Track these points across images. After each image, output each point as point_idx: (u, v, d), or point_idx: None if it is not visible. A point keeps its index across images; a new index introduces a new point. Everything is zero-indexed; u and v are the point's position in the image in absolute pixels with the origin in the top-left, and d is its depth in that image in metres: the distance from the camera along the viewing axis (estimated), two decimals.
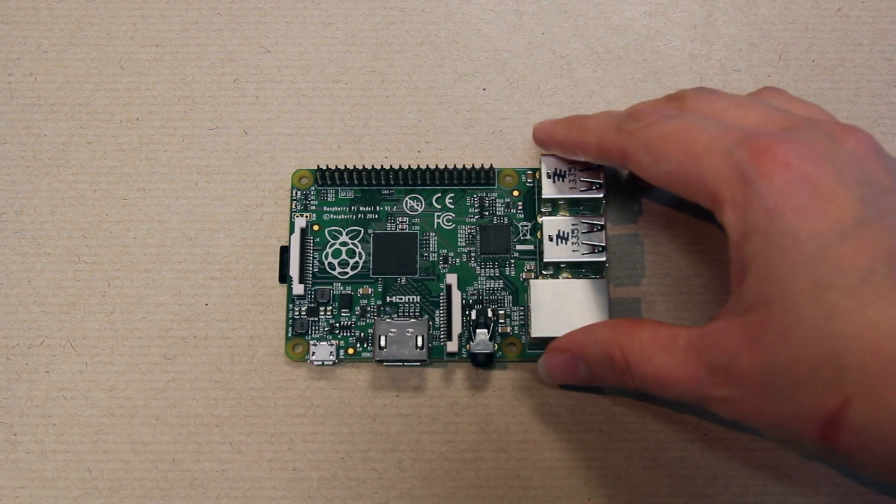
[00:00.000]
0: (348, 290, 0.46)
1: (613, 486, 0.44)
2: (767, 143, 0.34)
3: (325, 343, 0.45)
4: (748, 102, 0.39)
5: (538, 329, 0.43)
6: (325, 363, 0.45)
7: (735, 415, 0.35)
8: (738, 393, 0.35)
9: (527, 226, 0.47)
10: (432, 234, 0.47)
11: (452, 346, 0.44)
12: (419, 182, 0.47)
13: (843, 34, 0.49)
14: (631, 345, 0.38)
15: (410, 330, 0.44)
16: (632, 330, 0.39)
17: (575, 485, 0.44)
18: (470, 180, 0.47)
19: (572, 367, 0.41)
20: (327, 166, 0.47)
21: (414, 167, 0.47)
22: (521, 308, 0.46)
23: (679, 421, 0.45)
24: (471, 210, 0.47)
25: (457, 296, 0.45)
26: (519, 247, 0.46)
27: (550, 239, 0.44)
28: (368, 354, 0.45)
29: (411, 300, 0.46)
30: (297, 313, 0.46)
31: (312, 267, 0.46)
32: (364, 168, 0.47)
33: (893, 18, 0.50)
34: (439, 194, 0.47)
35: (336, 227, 0.47)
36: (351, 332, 0.46)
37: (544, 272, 0.45)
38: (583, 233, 0.44)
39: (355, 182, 0.47)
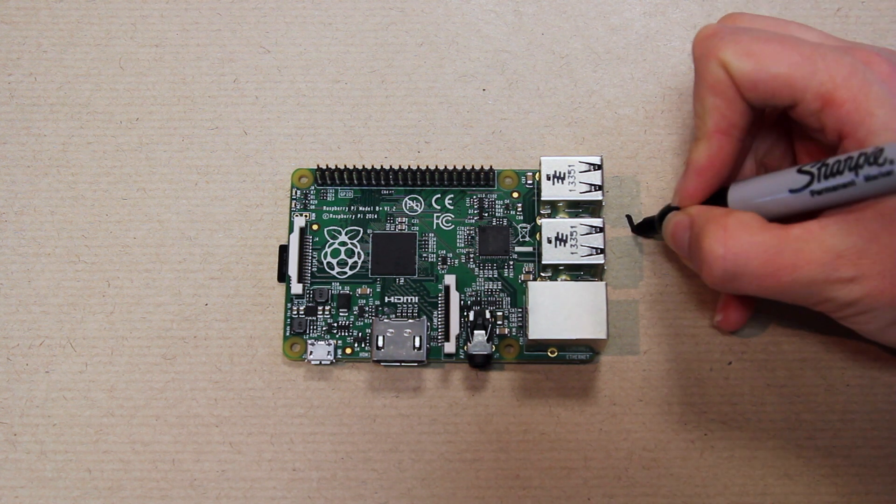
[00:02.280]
0: (347, 289, 0.46)
1: (613, 486, 0.44)
2: (871, 53, 0.39)
3: (322, 342, 0.45)
4: (800, 25, 0.41)
5: (536, 331, 0.43)
6: (323, 363, 0.45)
7: (859, 294, 0.37)
8: (870, 270, 0.36)
9: (526, 227, 0.47)
10: (431, 234, 0.47)
11: (450, 347, 0.44)
12: (419, 182, 0.47)
13: (843, 34, 0.49)
14: (749, 238, 0.38)
15: (408, 330, 0.44)
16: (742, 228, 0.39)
17: (575, 485, 0.44)
18: (469, 181, 0.47)
19: (683, 231, 0.41)
20: (327, 166, 0.47)
21: (414, 167, 0.47)
22: (520, 310, 0.46)
23: (679, 421, 0.45)
24: (470, 211, 0.47)
25: (455, 297, 0.45)
26: (518, 248, 0.46)
27: (549, 241, 0.44)
28: (366, 354, 0.45)
29: (409, 300, 0.46)
30: (295, 312, 0.46)
31: (311, 266, 0.46)
32: (364, 168, 0.47)
33: (893, 18, 0.50)
34: (439, 195, 0.47)
35: (335, 227, 0.47)
36: (349, 331, 0.46)
37: (543, 274, 0.45)
38: (581, 235, 0.44)
39: (355, 182, 0.47)
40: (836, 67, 0.37)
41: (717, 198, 0.41)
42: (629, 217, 0.47)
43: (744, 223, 0.38)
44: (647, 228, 0.46)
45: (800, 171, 0.37)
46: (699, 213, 0.40)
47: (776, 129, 0.44)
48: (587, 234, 0.44)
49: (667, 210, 0.44)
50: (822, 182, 0.36)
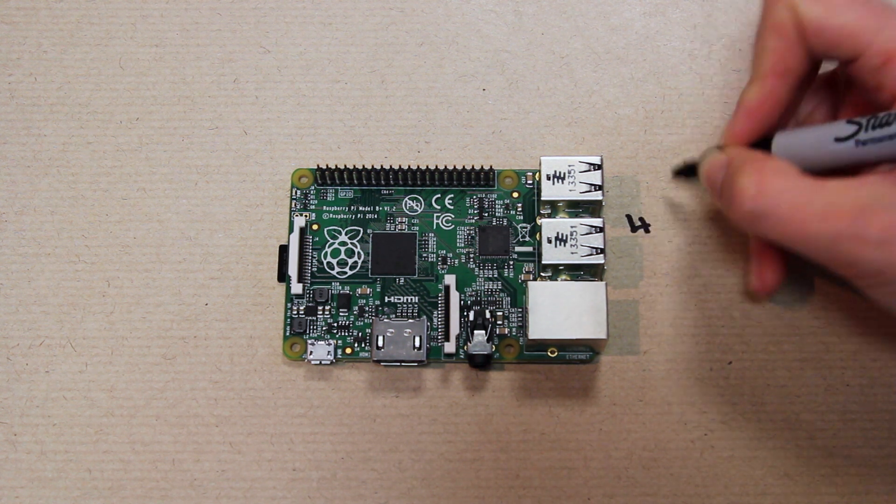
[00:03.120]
0: (347, 289, 0.46)
1: (613, 486, 0.44)
2: None
3: (322, 342, 0.45)
4: None
5: (536, 331, 0.43)
6: (323, 362, 0.45)
7: (885, 261, 0.35)
8: None
9: (526, 227, 0.47)
10: (431, 234, 0.47)
11: (450, 347, 0.44)
12: (419, 182, 0.47)
13: None
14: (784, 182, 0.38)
15: (408, 330, 0.44)
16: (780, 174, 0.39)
17: (575, 485, 0.44)
18: (469, 181, 0.47)
19: (718, 169, 0.41)
20: (327, 166, 0.47)
21: (413, 167, 0.47)
22: (520, 310, 0.46)
23: (679, 421, 0.45)
24: (470, 211, 0.47)
25: (455, 297, 0.45)
26: (518, 248, 0.46)
27: (549, 241, 0.44)
28: (366, 354, 0.45)
29: (409, 300, 0.46)
30: (295, 312, 0.46)
31: (311, 266, 0.46)
32: (364, 168, 0.47)
33: None
34: (439, 195, 0.47)
35: (335, 227, 0.47)
36: (349, 331, 0.46)
37: (543, 274, 0.45)
38: (581, 235, 0.44)
39: (355, 182, 0.47)
40: None
41: (762, 146, 0.41)
42: (675, 168, 0.47)
43: (781, 169, 0.38)
44: (688, 172, 0.46)
45: (849, 122, 0.37)
46: (738, 154, 0.40)
47: (822, 92, 0.44)
48: (587, 234, 0.44)
49: (710, 152, 0.43)
50: (870, 132, 0.36)
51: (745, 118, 0.41)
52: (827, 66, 0.43)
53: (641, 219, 0.47)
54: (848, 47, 0.38)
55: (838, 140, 0.37)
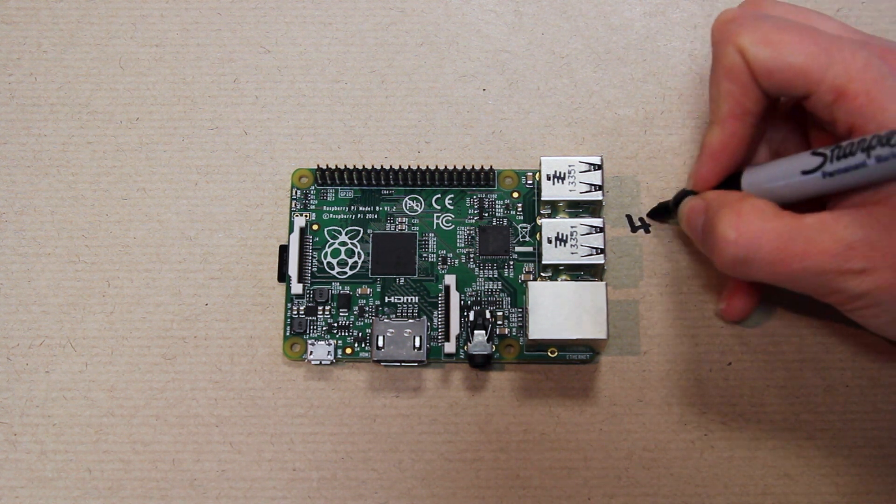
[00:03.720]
0: (347, 289, 0.46)
1: (613, 486, 0.44)
2: (887, 47, 0.40)
3: (322, 342, 0.45)
4: (820, 15, 0.42)
5: (536, 331, 0.43)
6: (323, 363, 0.45)
7: (868, 286, 0.37)
8: (881, 263, 0.37)
9: (526, 227, 0.47)
10: (431, 234, 0.47)
11: (450, 347, 0.44)
12: (419, 182, 0.47)
13: None
14: (760, 225, 0.39)
15: (408, 330, 0.44)
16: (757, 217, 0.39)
17: (575, 485, 0.44)
18: (469, 181, 0.47)
19: (697, 215, 0.42)
20: (327, 166, 0.47)
21: (414, 167, 0.47)
22: (520, 310, 0.46)
23: (679, 421, 0.45)
24: (470, 211, 0.47)
25: (455, 297, 0.45)
26: (518, 248, 0.46)
27: (549, 241, 0.44)
28: (366, 354, 0.45)
29: (410, 300, 0.46)
30: (295, 312, 0.46)
31: (311, 266, 0.46)
32: (364, 168, 0.47)
33: (893, 18, 0.50)
34: (439, 195, 0.47)
35: (335, 227, 0.47)
36: (349, 331, 0.46)
37: (543, 274, 0.45)
38: (581, 235, 0.44)
39: (355, 182, 0.47)
40: (852, 60, 0.37)
41: (731, 182, 0.42)
42: (650, 211, 0.47)
43: (757, 209, 0.38)
44: (661, 213, 0.47)
45: (814, 154, 0.38)
46: (714, 198, 0.41)
47: (791, 120, 0.44)
48: (587, 234, 0.44)
49: (682, 194, 0.44)
50: (835, 163, 0.37)
51: (709, 162, 0.42)
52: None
53: (643, 218, 0.48)
54: (799, 86, 0.38)
55: (805, 173, 0.38)
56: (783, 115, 0.44)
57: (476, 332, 0.44)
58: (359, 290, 0.46)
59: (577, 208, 0.46)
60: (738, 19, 0.40)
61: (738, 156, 0.42)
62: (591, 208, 0.46)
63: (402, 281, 0.46)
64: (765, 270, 0.38)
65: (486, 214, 0.47)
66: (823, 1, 0.50)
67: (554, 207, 0.46)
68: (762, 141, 0.44)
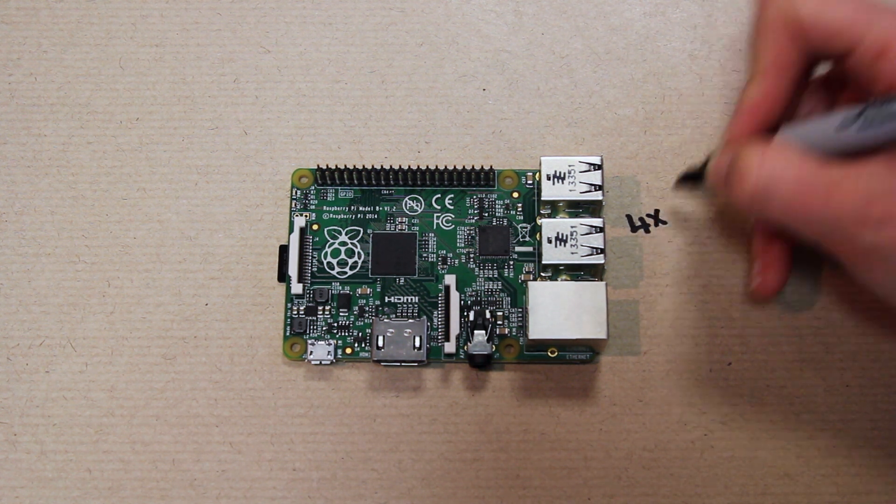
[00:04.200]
0: (347, 289, 0.46)
1: (613, 486, 0.44)
2: None
3: (322, 342, 0.45)
4: None
5: (536, 331, 0.43)
6: (323, 362, 0.45)
7: (884, 239, 0.36)
8: None
9: (526, 227, 0.47)
10: (431, 234, 0.47)
11: (450, 347, 0.44)
12: (419, 182, 0.47)
13: None
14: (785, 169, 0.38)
15: (408, 330, 0.44)
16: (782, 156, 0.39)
17: (575, 485, 0.44)
18: (469, 181, 0.47)
19: (724, 162, 0.41)
20: (327, 166, 0.47)
21: (414, 167, 0.47)
22: (520, 310, 0.46)
23: (679, 421, 0.45)
24: (470, 211, 0.47)
25: (455, 297, 0.45)
26: (518, 248, 0.46)
27: (549, 241, 0.44)
28: (366, 354, 0.45)
29: (410, 300, 0.46)
30: (295, 312, 0.46)
31: (311, 266, 0.46)
32: (364, 168, 0.47)
33: None
34: (439, 195, 0.47)
35: (335, 227, 0.47)
36: (349, 331, 0.46)
37: (543, 274, 0.45)
38: (581, 235, 0.44)
39: (355, 182, 0.47)
40: (895, 21, 0.38)
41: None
42: (679, 176, 0.46)
43: (784, 147, 0.38)
44: (691, 179, 0.45)
45: (849, 111, 0.38)
46: (742, 142, 0.40)
47: (817, 95, 0.44)
48: (587, 234, 0.44)
49: (710, 159, 0.43)
50: (870, 113, 0.37)
51: (746, 116, 0.42)
52: (821, 71, 0.43)
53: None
54: (842, 41, 0.39)
55: (841, 129, 0.38)
56: (811, 90, 0.44)
57: (476, 332, 0.44)
58: (359, 290, 0.46)
59: (577, 208, 0.46)
60: None
61: (775, 112, 0.41)
62: (591, 208, 0.46)
63: (402, 281, 0.46)
64: (782, 209, 0.37)
65: (486, 214, 0.47)
66: None
67: (554, 207, 0.46)
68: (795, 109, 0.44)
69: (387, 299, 0.46)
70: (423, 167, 0.47)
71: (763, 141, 0.39)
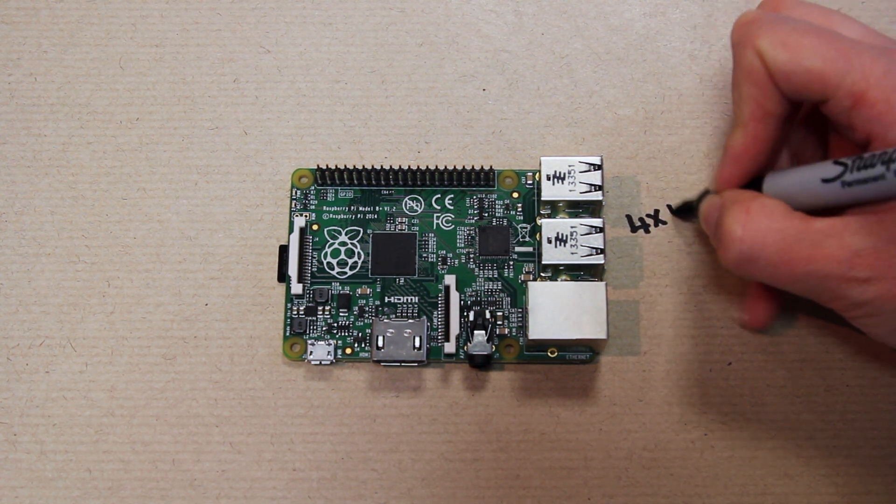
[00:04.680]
0: (347, 289, 0.46)
1: (613, 486, 0.44)
2: None
3: (322, 343, 0.45)
4: (843, 17, 0.41)
5: (536, 331, 0.43)
6: (323, 363, 0.45)
7: (872, 295, 0.37)
8: (886, 273, 0.36)
9: (526, 227, 0.47)
10: (431, 234, 0.47)
11: (450, 347, 0.44)
12: (419, 182, 0.47)
13: None
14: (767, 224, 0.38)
15: (408, 330, 0.44)
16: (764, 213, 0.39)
17: (575, 485, 0.44)
18: (469, 181, 0.47)
19: (713, 212, 0.42)
20: (327, 166, 0.47)
21: (414, 167, 0.47)
22: (520, 310, 0.46)
23: (679, 421, 0.45)
24: (470, 211, 0.47)
25: (455, 297, 0.45)
26: (518, 248, 0.46)
27: (549, 241, 0.44)
28: (366, 354, 0.45)
29: (410, 301, 0.46)
30: (295, 312, 0.46)
31: (311, 266, 0.46)
32: (364, 168, 0.47)
33: (893, 18, 0.50)
34: (439, 195, 0.47)
35: (335, 227, 0.47)
36: (349, 332, 0.46)
37: (543, 274, 0.45)
38: (581, 235, 0.44)
39: (355, 182, 0.47)
40: (871, 66, 0.37)
41: (754, 186, 0.42)
42: (675, 207, 0.48)
43: (767, 208, 0.38)
44: (686, 211, 0.47)
45: (835, 163, 0.38)
46: (729, 195, 0.41)
47: (811, 124, 0.44)
48: (587, 234, 0.44)
49: (706, 193, 0.44)
50: (855, 174, 0.37)
51: (732, 164, 0.42)
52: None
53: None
54: (816, 90, 0.38)
55: (825, 181, 0.38)
56: (802, 119, 0.44)
57: (476, 332, 0.44)
58: (359, 290, 0.46)
59: (577, 208, 0.46)
60: (757, 21, 0.40)
61: (761, 159, 0.42)
62: (591, 208, 0.46)
63: (402, 281, 0.46)
64: (769, 271, 0.38)
65: (486, 214, 0.47)
66: (823, 2, 0.50)
67: (554, 207, 0.46)
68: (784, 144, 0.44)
69: (387, 299, 0.46)
70: (423, 167, 0.47)
71: (749, 195, 0.40)
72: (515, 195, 0.47)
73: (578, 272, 0.45)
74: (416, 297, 0.46)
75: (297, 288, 0.46)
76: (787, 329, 0.46)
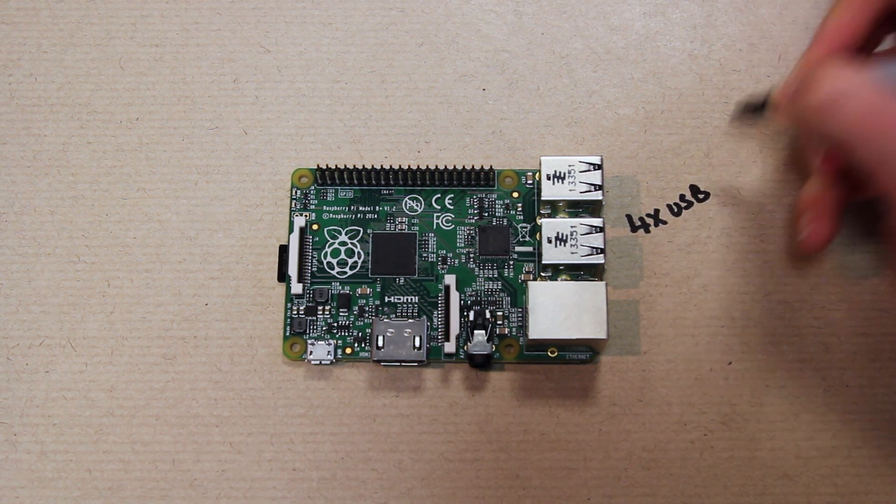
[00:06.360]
0: (347, 289, 0.46)
1: (613, 487, 0.44)
2: None
3: (322, 342, 0.45)
4: None
5: (536, 331, 0.43)
6: (323, 362, 0.45)
7: None
8: None
9: (526, 227, 0.47)
10: (431, 234, 0.47)
11: (450, 347, 0.44)
12: (419, 182, 0.47)
13: None
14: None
15: (408, 330, 0.44)
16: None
17: (575, 485, 0.44)
18: (469, 181, 0.47)
19: (796, 79, 0.39)
20: (327, 166, 0.47)
21: (413, 167, 0.47)
22: (520, 310, 0.46)
23: (679, 421, 0.45)
24: (470, 211, 0.47)
25: (455, 297, 0.45)
26: (518, 248, 0.46)
27: (549, 241, 0.44)
28: (366, 354, 0.45)
29: (409, 300, 0.46)
30: (295, 312, 0.46)
31: (311, 266, 0.46)
32: (364, 168, 0.47)
33: None
34: (439, 195, 0.47)
35: (335, 227, 0.47)
36: (349, 331, 0.46)
37: (543, 274, 0.45)
38: (581, 235, 0.44)
39: (355, 182, 0.47)
40: None
41: None
42: (741, 104, 0.45)
43: (864, 70, 0.36)
44: (753, 110, 0.44)
45: None
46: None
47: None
48: (587, 233, 0.44)
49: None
50: None
51: (827, 41, 0.40)
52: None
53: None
54: None
55: None
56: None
57: (476, 332, 0.44)
58: (359, 290, 0.46)
59: (577, 208, 0.46)
60: None
61: (855, 41, 0.40)
62: (591, 208, 0.46)
63: (402, 281, 0.46)
64: (847, 126, 0.35)
65: (486, 214, 0.47)
66: (823, 2, 0.50)
67: (554, 207, 0.46)
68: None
69: (387, 299, 0.46)
70: (423, 167, 0.47)
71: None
72: (515, 195, 0.47)
73: (578, 272, 0.45)
74: (416, 297, 0.46)
75: (297, 288, 0.46)
76: (787, 329, 0.46)
